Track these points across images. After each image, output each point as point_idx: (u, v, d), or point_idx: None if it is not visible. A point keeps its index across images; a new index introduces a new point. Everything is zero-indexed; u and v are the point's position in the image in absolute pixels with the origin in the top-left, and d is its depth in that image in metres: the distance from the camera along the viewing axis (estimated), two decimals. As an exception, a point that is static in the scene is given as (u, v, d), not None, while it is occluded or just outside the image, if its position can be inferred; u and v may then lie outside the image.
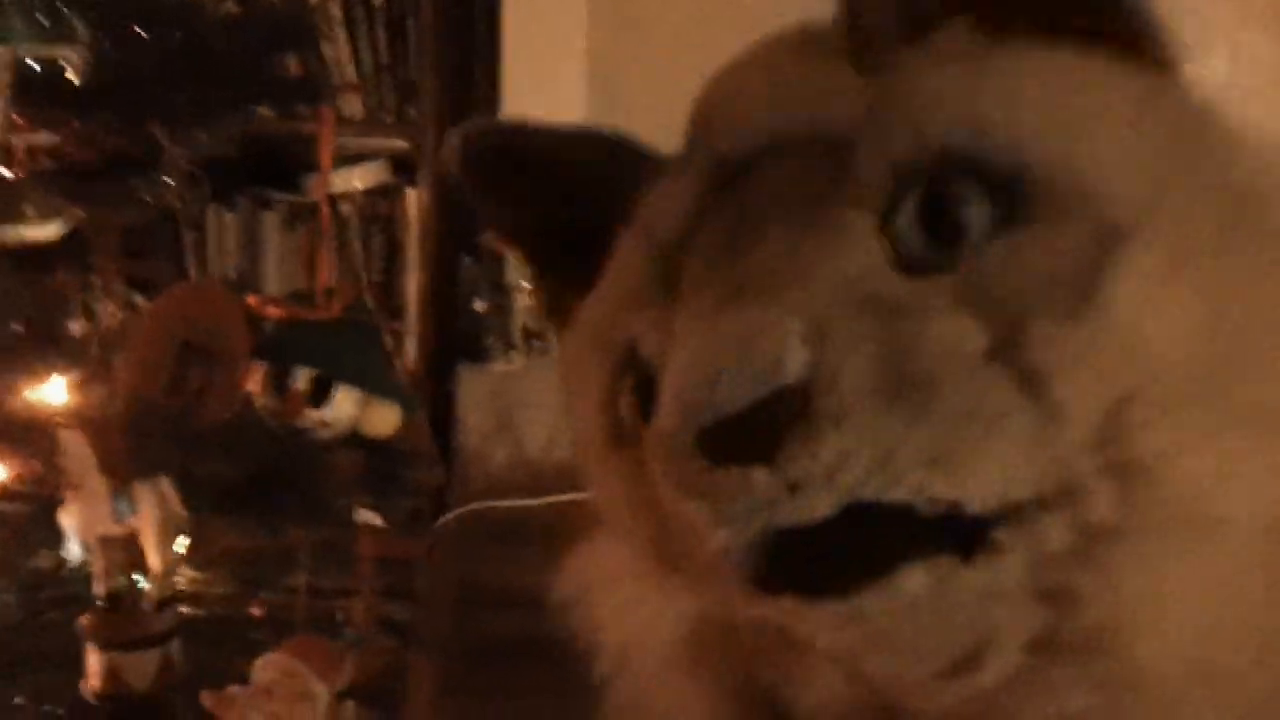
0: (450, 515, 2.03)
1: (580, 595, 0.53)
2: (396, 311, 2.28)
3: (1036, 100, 0.41)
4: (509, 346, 2.27)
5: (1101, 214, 0.39)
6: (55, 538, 1.66)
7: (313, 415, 1.64)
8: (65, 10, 1.43)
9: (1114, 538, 0.39)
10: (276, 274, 2.24)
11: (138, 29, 1.46)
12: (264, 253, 2.28)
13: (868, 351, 0.38)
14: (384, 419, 1.69)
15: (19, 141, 1.38)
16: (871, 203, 0.41)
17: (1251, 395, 0.40)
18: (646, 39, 2.30)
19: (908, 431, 0.38)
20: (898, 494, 0.38)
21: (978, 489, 0.38)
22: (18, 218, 1.37)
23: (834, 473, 0.38)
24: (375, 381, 1.69)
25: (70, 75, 1.42)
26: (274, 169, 2.27)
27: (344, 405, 1.65)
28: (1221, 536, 0.39)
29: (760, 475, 0.38)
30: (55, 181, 1.46)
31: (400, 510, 1.77)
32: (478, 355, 2.23)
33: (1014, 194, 0.40)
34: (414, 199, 2.32)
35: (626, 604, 0.49)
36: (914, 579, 0.39)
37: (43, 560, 1.71)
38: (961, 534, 0.39)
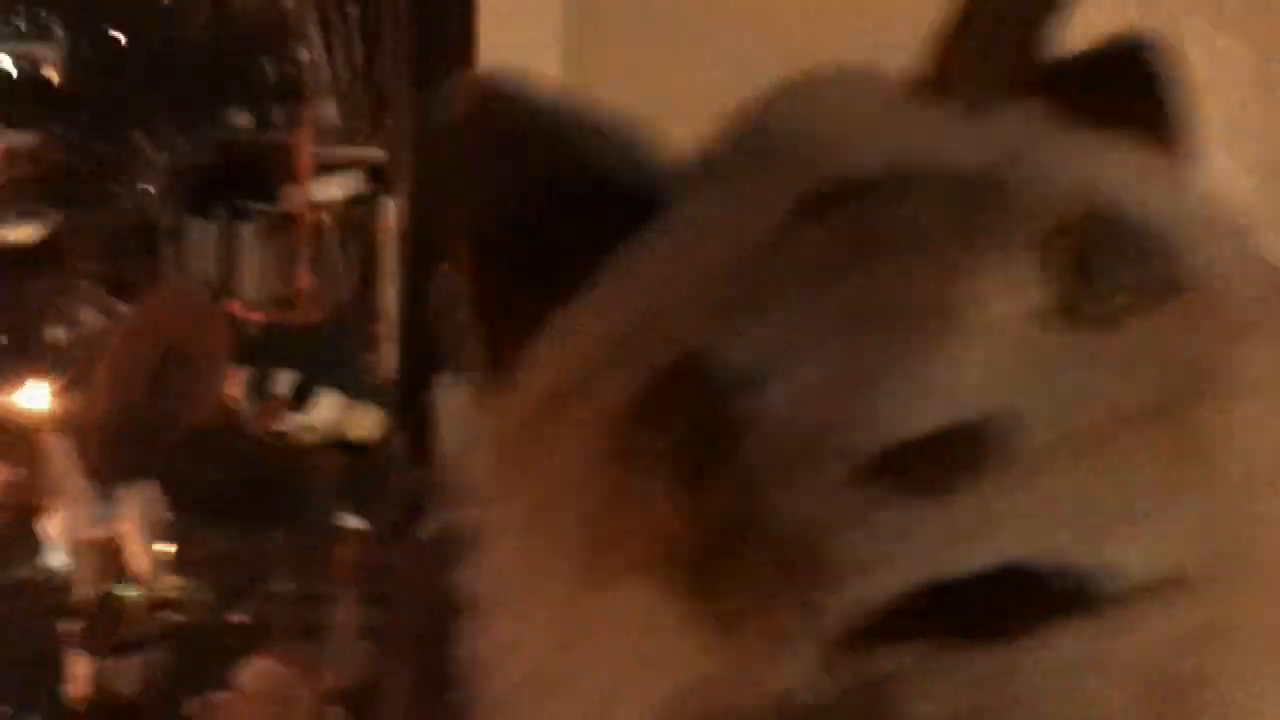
0: (427, 525, 2.03)
1: (538, 639, 0.44)
2: (373, 321, 2.28)
3: (1161, 178, 0.42)
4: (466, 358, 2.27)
5: (1230, 302, 0.40)
6: (35, 546, 1.65)
7: (294, 420, 1.63)
8: (42, 12, 1.43)
9: (1230, 629, 0.38)
10: (254, 283, 2.23)
11: (114, 32, 1.46)
12: (241, 263, 2.27)
13: (1047, 395, 0.36)
14: (366, 423, 1.69)
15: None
16: (1024, 248, 0.39)
17: None
18: (624, 64, 2.31)
19: (1084, 491, 0.36)
20: (1068, 555, 0.36)
21: (1136, 557, 0.37)
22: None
23: (1011, 520, 0.36)
24: (357, 386, 1.68)
25: (48, 77, 1.42)
26: (250, 179, 2.26)
27: (325, 409, 1.65)
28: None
29: (928, 511, 0.35)
30: (32, 185, 1.46)
31: (382, 515, 1.76)
32: (456, 365, 2.24)
33: (1162, 263, 0.39)
34: (390, 209, 2.31)
35: (603, 655, 0.42)
36: (1068, 640, 0.36)
37: (23, 569, 1.70)
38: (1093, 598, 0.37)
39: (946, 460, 0.35)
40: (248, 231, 2.30)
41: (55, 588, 1.68)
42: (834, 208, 0.41)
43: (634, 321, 0.43)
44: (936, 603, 0.36)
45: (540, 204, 0.46)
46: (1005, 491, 0.36)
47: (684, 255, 0.43)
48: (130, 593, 1.53)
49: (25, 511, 1.64)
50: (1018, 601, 0.36)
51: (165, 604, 1.60)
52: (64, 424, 1.47)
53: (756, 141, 0.45)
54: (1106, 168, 0.41)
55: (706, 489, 0.39)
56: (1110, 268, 0.39)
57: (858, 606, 0.36)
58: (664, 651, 0.40)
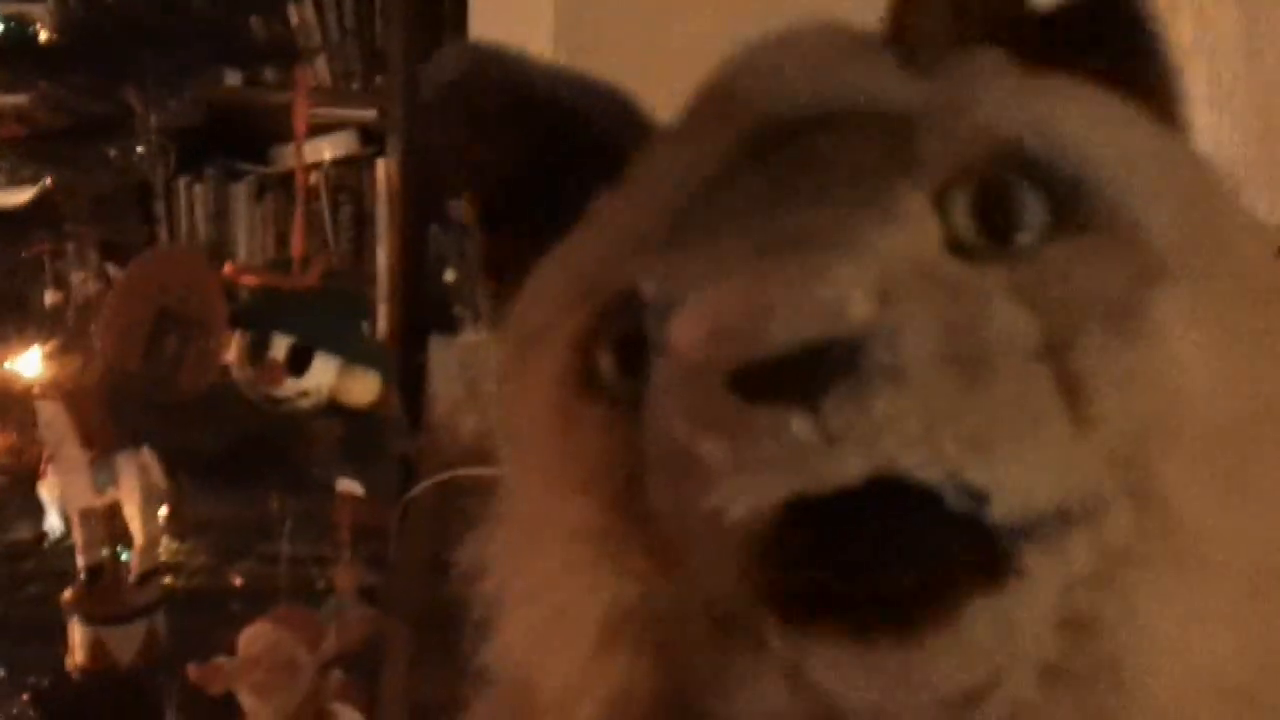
0: (421, 484, 2.02)
1: (501, 558, 0.49)
2: (367, 282, 2.26)
3: (1100, 122, 0.42)
4: (478, 317, 2.26)
5: (1149, 244, 0.40)
6: (35, 510, 1.64)
7: (291, 384, 1.62)
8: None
9: (1132, 564, 0.39)
10: (246, 244, 2.22)
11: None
12: (233, 223, 2.25)
13: (932, 318, 0.37)
14: (363, 387, 1.67)
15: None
16: (930, 184, 0.41)
17: (1272, 468, 0.40)
18: (615, 23, 2.29)
19: (957, 406, 0.37)
20: (933, 471, 0.37)
21: (1008, 484, 0.37)
22: (-11, 182, 1.34)
23: (878, 432, 0.36)
24: (354, 349, 1.67)
25: (40, 34, 1.39)
26: (242, 139, 2.24)
27: (322, 374, 1.64)
28: (1219, 577, 0.39)
29: (799, 420, 0.36)
30: (24, 145, 1.43)
31: (381, 478, 1.75)
32: (447, 326, 2.22)
33: (1071, 204, 0.40)
34: (383, 169, 2.30)
35: (556, 571, 0.45)
36: (979, 612, 0.37)
37: (22, 533, 1.68)
38: (982, 551, 0.38)
39: (821, 372, 0.36)
40: (240, 192, 2.28)
41: (54, 554, 1.67)
42: (765, 148, 0.43)
43: (590, 262, 0.46)
44: (814, 522, 0.37)
45: (533, 162, 0.49)
46: (876, 403, 0.36)
47: (638, 197, 0.46)
48: (130, 559, 1.51)
49: (23, 477, 1.63)
50: (923, 555, 0.37)
51: (164, 570, 1.59)
52: (58, 389, 1.46)
53: (710, 94, 0.47)
54: (1037, 111, 0.42)
55: (626, 412, 0.42)
56: (1008, 206, 0.40)
57: (738, 514, 0.37)
58: (606, 565, 0.43)
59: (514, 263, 0.49)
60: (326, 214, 2.30)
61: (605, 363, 0.43)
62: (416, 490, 2.06)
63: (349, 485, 1.70)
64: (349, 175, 2.32)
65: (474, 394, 2.20)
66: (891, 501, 0.37)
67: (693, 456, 0.38)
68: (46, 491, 1.58)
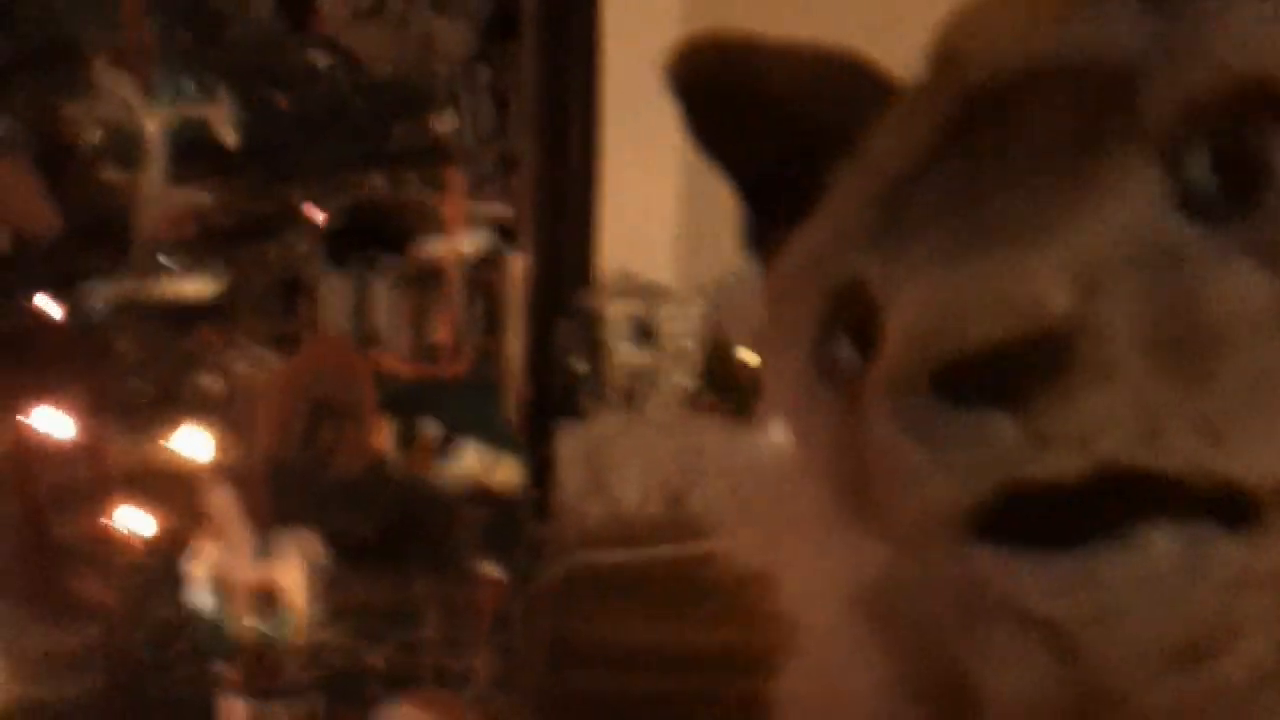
0: (547, 570, 2.06)
1: (766, 534, 0.50)
2: (498, 372, 2.33)
3: None
4: (604, 406, 2.31)
5: None
6: (182, 588, 1.70)
7: (439, 469, 1.68)
8: (208, 75, 1.49)
9: None
10: (392, 336, 2.29)
11: (276, 92, 1.52)
12: (372, 315, 2.33)
13: (1145, 303, 0.35)
14: (506, 472, 1.72)
15: (170, 203, 1.44)
16: (1159, 139, 0.37)
17: None
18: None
19: (1183, 396, 0.35)
20: (1165, 464, 0.35)
21: (1258, 465, 0.35)
22: (170, 274, 1.43)
23: (1092, 433, 0.35)
24: (497, 436, 1.72)
25: (219, 137, 1.48)
26: (383, 236, 2.33)
27: (468, 459, 1.69)
28: None
29: (1004, 424, 0.35)
30: (201, 242, 1.52)
31: (519, 563, 1.80)
32: (574, 413, 2.27)
33: None
34: (515, 264, 2.37)
35: (811, 548, 0.45)
36: (1163, 543, 0.35)
37: (168, 609, 1.74)
38: (1228, 506, 0.35)
39: (1023, 373, 0.35)
40: (380, 285, 2.37)
41: (200, 631, 1.72)
42: (975, 121, 0.40)
43: (823, 246, 0.45)
44: (1034, 510, 0.36)
45: (781, 146, 0.48)
46: (1087, 403, 0.34)
47: (864, 175, 0.44)
48: (284, 637, 1.56)
49: (175, 553, 1.69)
50: (1133, 498, 0.35)
51: (316, 650, 1.64)
52: (224, 472, 1.53)
53: (930, 65, 0.45)
54: (1267, 47, 0.37)
55: (859, 399, 0.40)
56: (1254, 156, 0.36)
57: (943, 507, 0.36)
58: (844, 550, 0.43)
59: (779, 244, 0.48)
60: (460, 307, 2.38)
61: (843, 349, 0.42)
62: (541, 578, 2.10)
63: (490, 570, 1.74)
64: (482, 270, 2.40)
65: (600, 481, 2.25)
66: (1124, 485, 0.35)
67: (900, 461, 0.37)
68: (195, 568, 1.64)
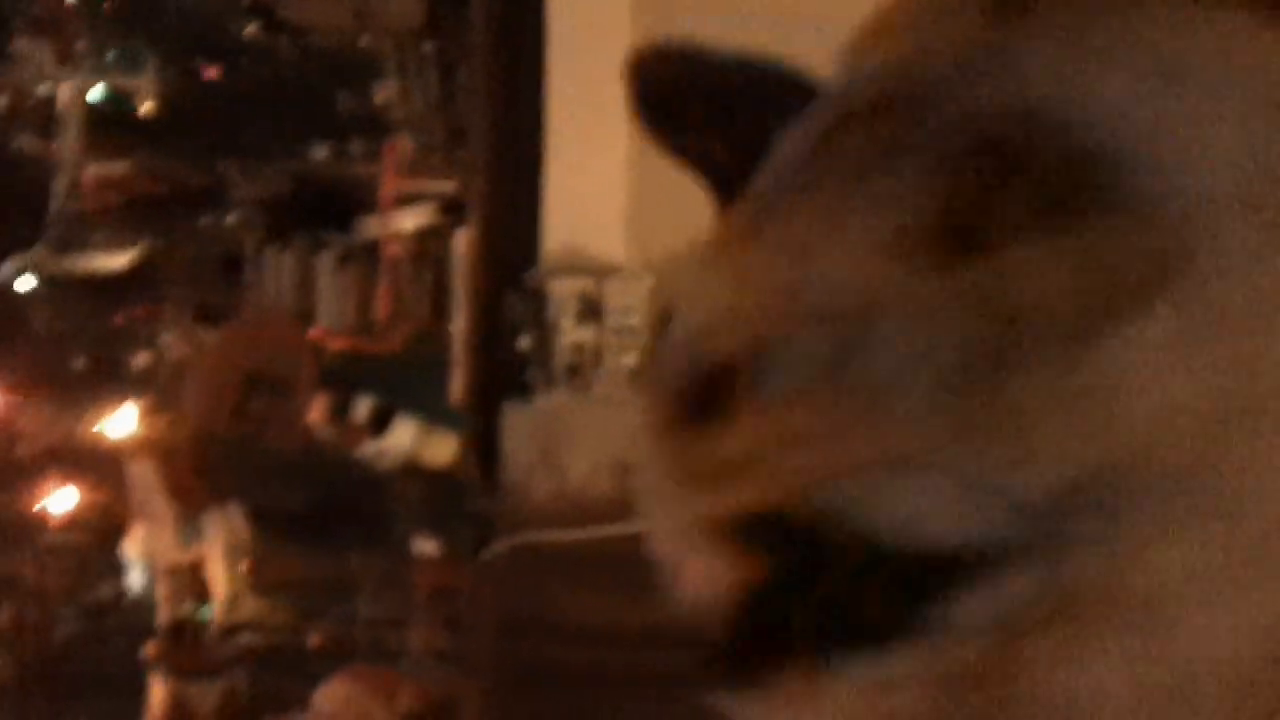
0: (495, 547, 2.05)
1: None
2: (443, 348, 2.31)
3: (1157, 87, 0.38)
4: (551, 382, 2.29)
5: (1168, 237, 0.36)
6: (118, 568, 1.68)
7: (372, 445, 1.66)
8: (136, 46, 1.47)
9: (1027, 626, 0.35)
10: (329, 311, 2.27)
11: (203, 63, 1.49)
12: (317, 290, 2.31)
13: (831, 337, 0.35)
14: (442, 449, 1.71)
15: (89, 174, 1.42)
16: (932, 166, 0.37)
17: (1258, 508, 0.36)
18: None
19: (834, 434, 0.34)
20: (835, 501, 0.34)
21: (927, 520, 0.35)
22: (88, 248, 1.40)
23: (770, 455, 0.34)
24: (434, 411, 1.71)
25: (140, 108, 1.46)
26: (327, 210, 2.31)
27: (402, 435, 1.67)
28: (1174, 646, 0.36)
29: (705, 441, 0.34)
30: (123, 214, 1.49)
31: (458, 539, 1.78)
32: (521, 391, 2.26)
33: (1075, 188, 0.36)
34: (461, 239, 2.35)
35: None
36: (976, 614, 0.37)
37: (105, 591, 1.73)
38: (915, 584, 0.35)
39: (720, 395, 0.33)
40: (325, 261, 2.34)
41: (135, 610, 1.71)
42: (829, 138, 0.39)
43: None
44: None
45: (733, 142, 0.49)
46: (766, 421, 0.33)
47: (752, 189, 0.45)
48: (213, 615, 1.55)
49: (109, 533, 1.68)
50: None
51: (245, 626, 1.62)
52: (149, 447, 1.50)
53: (837, 68, 0.46)
54: (1072, 76, 0.37)
55: None
56: (997, 195, 0.36)
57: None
58: None
59: (727, 180, 0.50)
60: (406, 282, 2.36)
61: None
62: (489, 553, 2.09)
63: (427, 546, 1.73)
64: (429, 245, 2.38)
65: (548, 458, 2.24)
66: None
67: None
68: (130, 549, 1.62)
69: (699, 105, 0.48)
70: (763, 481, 0.34)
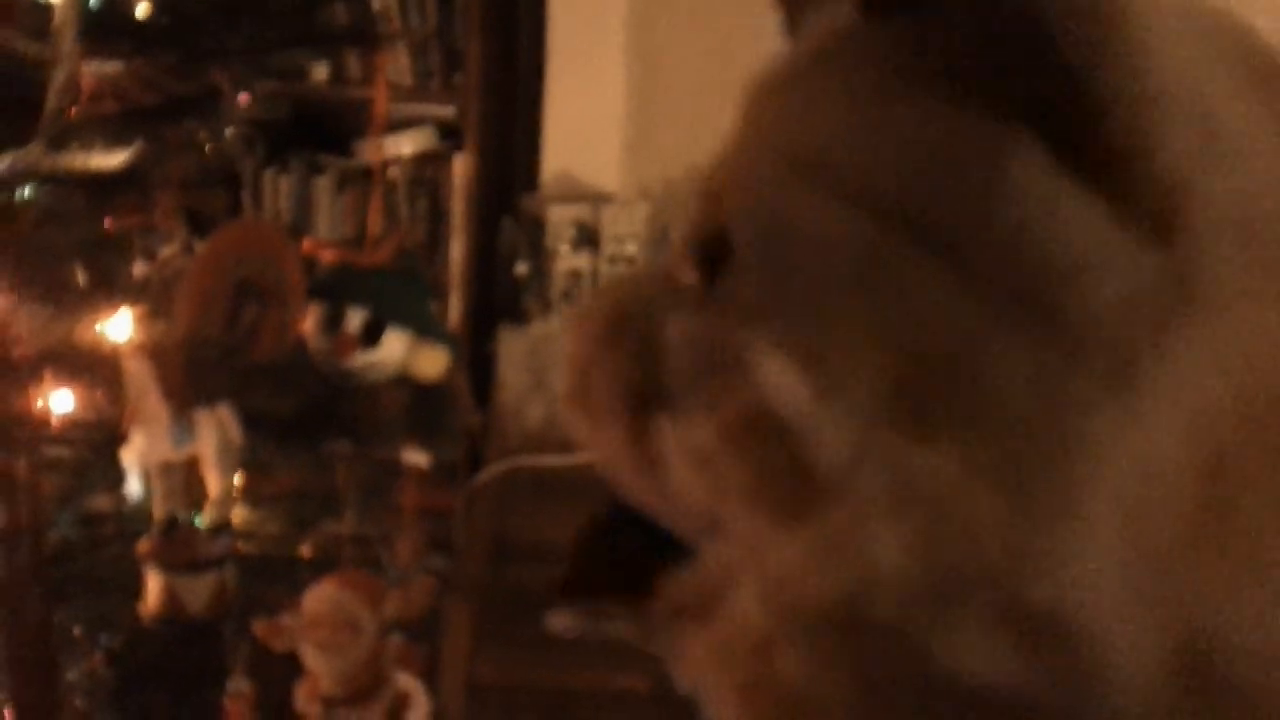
0: (486, 470, 2.08)
1: None
2: (440, 272, 2.33)
3: (763, 179, 0.42)
4: (547, 308, 2.31)
5: (753, 312, 0.41)
6: (116, 474, 1.71)
7: (363, 356, 1.68)
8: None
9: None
10: (326, 231, 2.29)
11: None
12: (315, 213, 2.33)
13: (633, 343, 0.45)
14: (432, 362, 1.73)
15: (84, 75, 1.43)
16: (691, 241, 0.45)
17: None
18: (685, 20, 2.34)
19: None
20: None
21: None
22: (84, 147, 1.42)
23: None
24: (423, 324, 1.73)
25: (134, 11, 1.47)
26: (325, 133, 2.32)
27: (393, 347, 1.70)
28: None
29: None
30: (117, 118, 1.51)
31: (445, 452, 1.81)
32: (517, 316, 2.28)
33: (720, 267, 0.42)
34: (459, 164, 2.37)
35: None
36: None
37: (103, 498, 1.76)
38: None
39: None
40: (322, 183, 2.36)
41: (132, 518, 1.74)
42: None
43: None
44: None
45: None
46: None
47: None
48: (204, 512, 1.58)
49: (107, 439, 1.70)
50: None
51: (235, 531, 1.65)
52: (144, 350, 1.53)
53: None
54: (741, 168, 0.43)
55: None
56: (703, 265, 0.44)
57: None
58: None
59: None
60: (403, 205, 2.38)
61: None
62: (481, 477, 2.12)
63: (415, 457, 1.75)
64: (426, 169, 2.40)
65: (541, 383, 2.26)
66: None
67: None
68: (127, 456, 1.65)
69: None
70: None
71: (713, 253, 0.42)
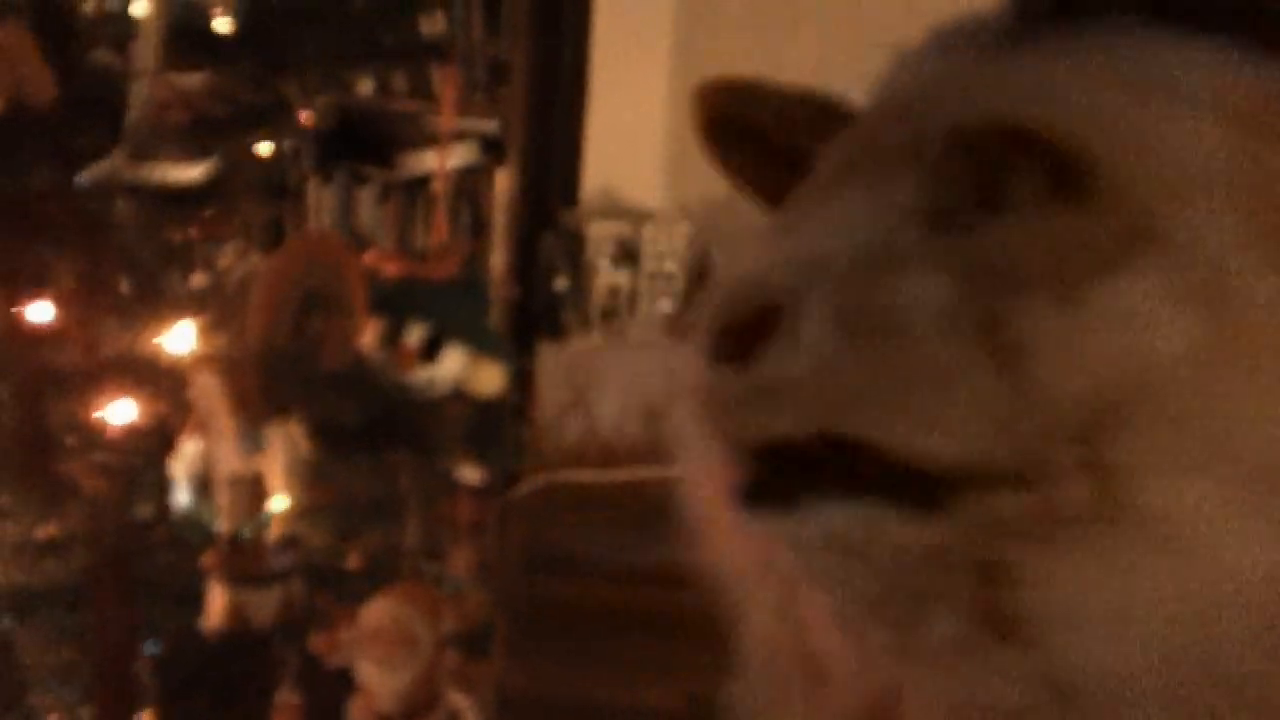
0: (524, 485, 2.08)
1: (700, 514, 0.53)
2: (481, 286, 2.33)
3: (1124, 99, 0.43)
4: (586, 324, 2.32)
5: (1138, 217, 0.41)
6: (163, 484, 1.71)
7: (422, 371, 1.69)
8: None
9: (1071, 531, 0.40)
10: (373, 241, 2.30)
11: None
12: (358, 224, 2.33)
13: (849, 291, 0.41)
14: (490, 378, 1.74)
15: (164, 87, 1.44)
16: (922, 163, 0.44)
17: (1251, 447, 0.40)
18: (733, 39, 2.36)
19: (865, 369, 0.41)
20: (856, 428, 0.41)
21: (932, 440, 0.40)
22: (161, 158, 1.43)
23: (793, 388, 0.41)
24: (482, 340, 1.74)
25: (214, 22, 1.48)
26: (369, 144, 2.33)
27: (451, 362, 1.70)
28: (1191, 569, 0.40)
29: (730, 374, 0.42)
30: (194, 130, 1.52)
31: (499, 467, 1.81)
32: (556, 332, 2.29)
33: (1064, 176, 0.42)
34: (501, 178, 2.37)
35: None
36: (837, 516, 0.41)
37: (148, 508, 1.75)
38: (914, 487, 0.41)
39: (748, 338, 0.41)
40: (365, 195, 2.37)
41: (184, 524, 1.74)
42: (859, 155, 0.47)
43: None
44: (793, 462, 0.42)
45: (779, 168, 0.55)
46: (789, 357, 0.41)
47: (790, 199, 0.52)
48: (268, 527, 1.58)
49: (158, 448, 1.70)
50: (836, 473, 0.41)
51: (297, 541, 1.65)
52: (214, 360, 1.53)
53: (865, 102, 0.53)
54: (1057, 88, 0.43)
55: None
56: (995, 180, 0.42)
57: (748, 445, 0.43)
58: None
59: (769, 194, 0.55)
60: (446, 219, 2.38)
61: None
62: (517, 492, 2.12)
63: (470, 473, 1.76)
64: (468, 183, 2.40)
65: (579, 399, 2.27)
66: (843, 455, 0.41)
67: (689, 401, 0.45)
68: (176, 466, 1.65)
69: (748, 134, 0.54)
70: (793, 407, 0.41)
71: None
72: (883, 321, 0.41)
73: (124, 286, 1.52)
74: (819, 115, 0.54)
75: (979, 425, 0.40)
